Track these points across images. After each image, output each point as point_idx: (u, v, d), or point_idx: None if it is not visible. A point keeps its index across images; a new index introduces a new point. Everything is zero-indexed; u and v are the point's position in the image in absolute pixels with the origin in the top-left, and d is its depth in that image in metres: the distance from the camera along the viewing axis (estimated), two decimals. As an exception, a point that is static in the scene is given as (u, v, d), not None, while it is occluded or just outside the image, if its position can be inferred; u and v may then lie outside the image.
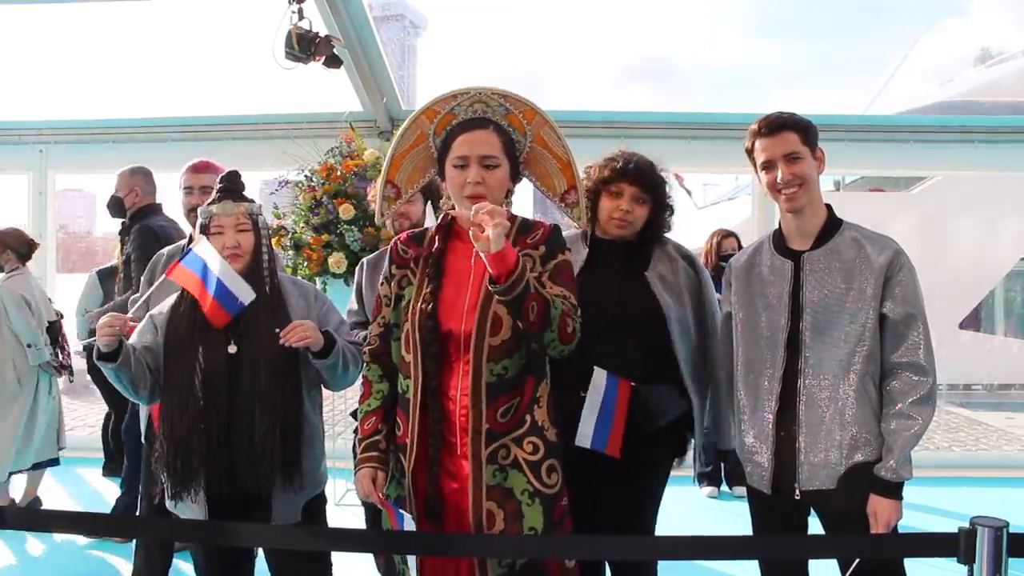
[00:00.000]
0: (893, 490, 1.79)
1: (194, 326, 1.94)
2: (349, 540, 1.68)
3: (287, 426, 1.92)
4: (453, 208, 1.77)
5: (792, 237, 1.96)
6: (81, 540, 3.52)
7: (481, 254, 1.54)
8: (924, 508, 3.99)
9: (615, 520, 2.05)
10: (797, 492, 1.86)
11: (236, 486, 1.88)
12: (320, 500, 2.10)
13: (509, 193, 1.81)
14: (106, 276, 4.19)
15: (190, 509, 1.93)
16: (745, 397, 1.96)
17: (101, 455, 4.59)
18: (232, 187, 2.03)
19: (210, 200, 2.02)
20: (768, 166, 1.92)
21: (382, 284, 1.83)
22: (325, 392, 2.16)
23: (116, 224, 3.57)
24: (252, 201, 2.04)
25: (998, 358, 11.28)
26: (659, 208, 2.15)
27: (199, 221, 2.02)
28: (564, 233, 2.19)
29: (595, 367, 1.98)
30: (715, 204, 14.01)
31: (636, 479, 2.08)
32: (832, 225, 1.93)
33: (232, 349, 1.92)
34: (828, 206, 1.96)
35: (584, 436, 1.97)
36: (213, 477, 1.88)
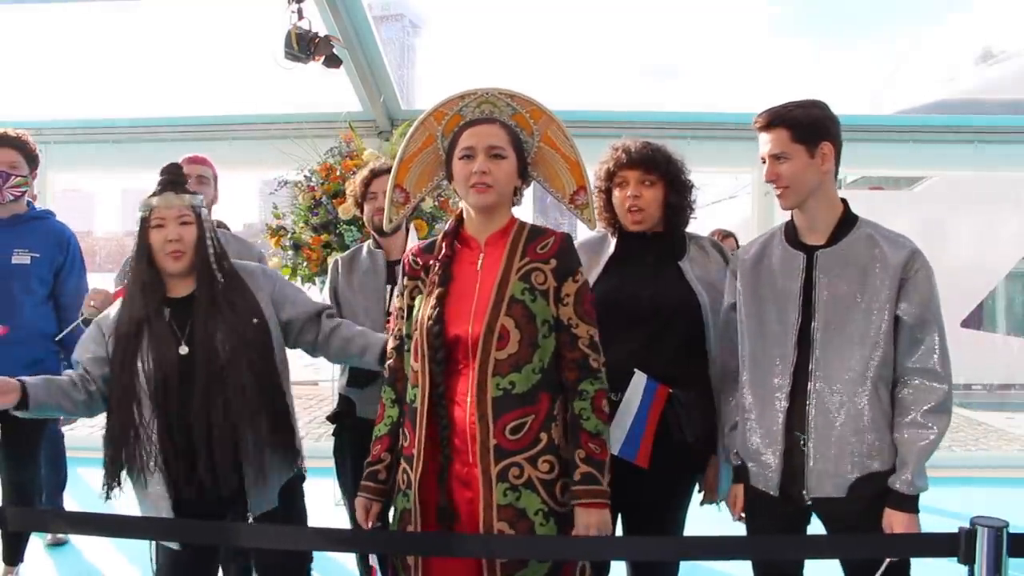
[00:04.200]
0: (909, 503, 1.72)
1: (139, 327, 1.88)
2: (346, 540, 1.67)
3: (273, 412, 1.90)
4: (461, 207, 1.76)
5: (804, 231, 1.89)
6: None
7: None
8: (924, 508, 3.96)
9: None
10: (807, 498, 1.79)
11: (200, 487, 1.84)
12: (296, 480, 2.05)
13: (518, 191, 1.77)
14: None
15: (153, 505, 1.88)
16: (752, 396, 1.88)
17: (101, 455, 4.58)
18: (174, 179, 1.96)
19: (151, 193, 1.94)
20: (763, 161, 1.87)
21: (397, 297, 1.81)
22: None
23: (117, 224, 3.57)
24: (195, 194, 1.99)
25: (998, 358, 11.28)
26: (673, 187, 2.06)
27: (139, 214, 1.94)
28: (592, 234, 2.17)
29: (635, 369, 1.90)
30: (715, 203, 14.01)
31: (666, 492, 2.01)
32: (847, 221, 1.86)
33: (183, 350, 1.86)
34: (844, 201, 1.88)
35: (615, 444, 1.86)
36: (174, 480, 1.85)
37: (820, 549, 1.75)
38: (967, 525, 1.42)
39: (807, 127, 1.82)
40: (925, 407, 1.73)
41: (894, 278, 1.76)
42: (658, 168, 2.04)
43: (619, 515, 2.03)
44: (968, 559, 1.40)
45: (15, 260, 2.78)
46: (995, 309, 12.59)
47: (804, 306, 1.83)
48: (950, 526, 1.46)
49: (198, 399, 1.84)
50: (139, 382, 1.85)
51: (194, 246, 1.92)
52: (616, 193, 2.06)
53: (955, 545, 1.42)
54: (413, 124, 1.84)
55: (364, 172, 2.78)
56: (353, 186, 2.80)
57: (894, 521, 1.73)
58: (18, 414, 1.80)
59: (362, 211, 2.75)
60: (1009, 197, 10.00)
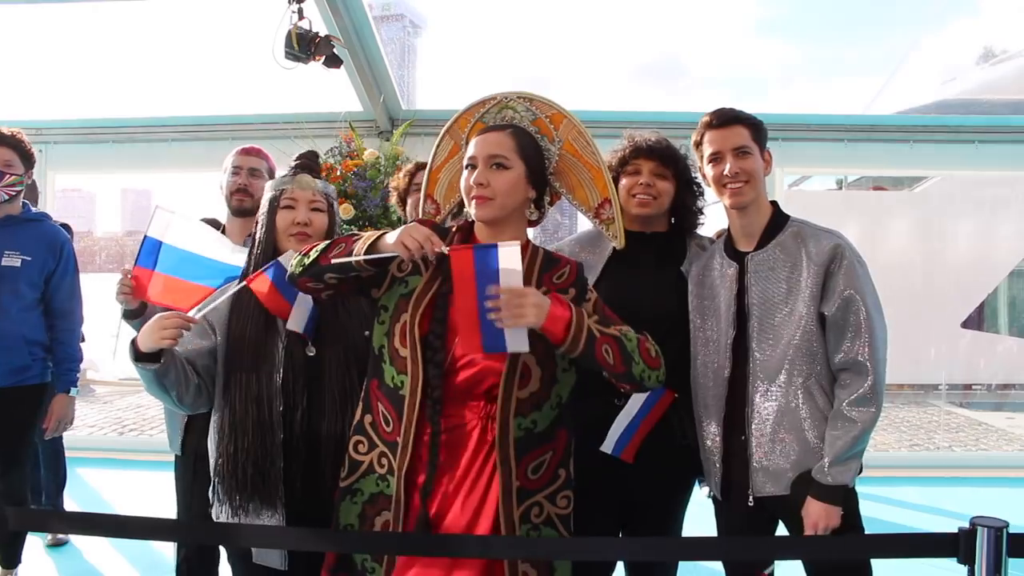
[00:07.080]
0: (829, 493, 1.71)
1: (266, 326, 1.72)
2: (347, 541, 1.66)
3: None
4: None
5: (738, 238, 1.91)
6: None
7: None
8: (924, 508, 4.00)
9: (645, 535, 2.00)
10: (750, 499, 1.81)
11: (319, 500, 1.69)
12: None
13: (538, 205, 1.68)
14: None
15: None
16: (702, 402, 1.90)
17: (101, 455, 4.59)
18: (310, 164, 1.87)
19: (284, 175, 1.86)
20: (716, 159, 1.87)
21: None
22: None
23: (117, 223, 3.56)
24: (329, 183, 1.89)
25: (998, 358, 11.26)
26: (686, 188, 2.04)
27: (269, 195, 1.83)
28: (588, 230, 2.12)
29: None
30: (716, 203, 14.00)
31: (666, 493, 2.02)
32: (777, 223, 1.88)
33: (311, 351, 1.72)
34: (774, 203, 1.90)
35: (610, 442, 1.88)
36: (292, 490, 1.68)
37: (816, 550, 1.75)
38: (967, 525, 1.42)
39: (760, 130, 1.89)
40: (848, 399, 1.72)
41: (818, 274, 1.76)
42: (674, 164, 2.03)
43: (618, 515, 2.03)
44: (968, 559, 1.40)
45: (5, 262, 2.66)
46: (997, 309, 12.57)
47: (739, 313, 1.84)
48: (950, 526, 1.46)
49: (329, 405, 1.70)
50: (267, 388, 1.69)
51: (323, 235, 1.79)
52: (624, 180, 2.02)
53: (955, 545, 1.42)
54: (440, 133, 1.79)
55: (408, 166, 2.79)
56: (396, 181, 2.81)
57: (811, 510, 1.72)
58: (145, 368, 1.58)
59: (404, 207, 2.75)
60: (1009, 197, 9.98)
